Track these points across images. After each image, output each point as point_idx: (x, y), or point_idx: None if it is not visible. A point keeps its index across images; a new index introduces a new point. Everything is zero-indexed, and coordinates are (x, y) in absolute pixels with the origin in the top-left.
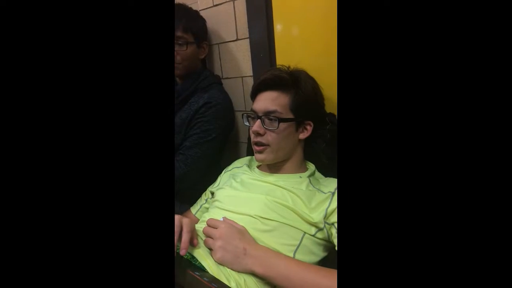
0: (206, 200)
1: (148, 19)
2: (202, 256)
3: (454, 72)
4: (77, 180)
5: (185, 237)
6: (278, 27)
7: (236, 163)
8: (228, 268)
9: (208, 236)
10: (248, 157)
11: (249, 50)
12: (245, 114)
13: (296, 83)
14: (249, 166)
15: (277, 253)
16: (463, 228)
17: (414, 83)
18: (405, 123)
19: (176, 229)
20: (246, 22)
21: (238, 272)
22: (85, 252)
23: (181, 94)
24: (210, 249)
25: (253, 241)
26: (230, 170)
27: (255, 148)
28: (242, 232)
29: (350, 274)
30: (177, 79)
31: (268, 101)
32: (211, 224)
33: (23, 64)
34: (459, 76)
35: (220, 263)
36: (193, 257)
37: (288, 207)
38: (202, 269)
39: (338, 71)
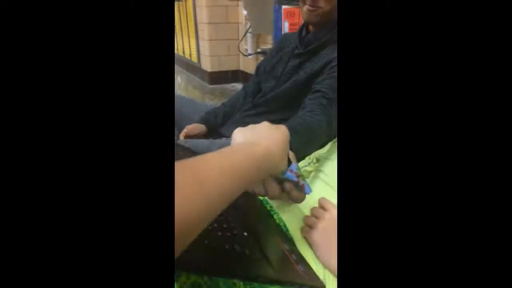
0: (309, 163)
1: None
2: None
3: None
4: (75, 178)
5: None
6: None
7: None
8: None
9: (313, 215)
10: None
11: None
12: None
13: None
14: None
15: None
16: (463, 232)
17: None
18: (406, 124)
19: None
20: None
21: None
22: (83, 252)
23: (311, 44)
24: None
25: None
26: None
27: None
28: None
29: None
30: (310, 26)
31: None
32: (321, 205)
33: (22, 62)
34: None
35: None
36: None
37: None
38: (291, 241)
39: (339, 74)
